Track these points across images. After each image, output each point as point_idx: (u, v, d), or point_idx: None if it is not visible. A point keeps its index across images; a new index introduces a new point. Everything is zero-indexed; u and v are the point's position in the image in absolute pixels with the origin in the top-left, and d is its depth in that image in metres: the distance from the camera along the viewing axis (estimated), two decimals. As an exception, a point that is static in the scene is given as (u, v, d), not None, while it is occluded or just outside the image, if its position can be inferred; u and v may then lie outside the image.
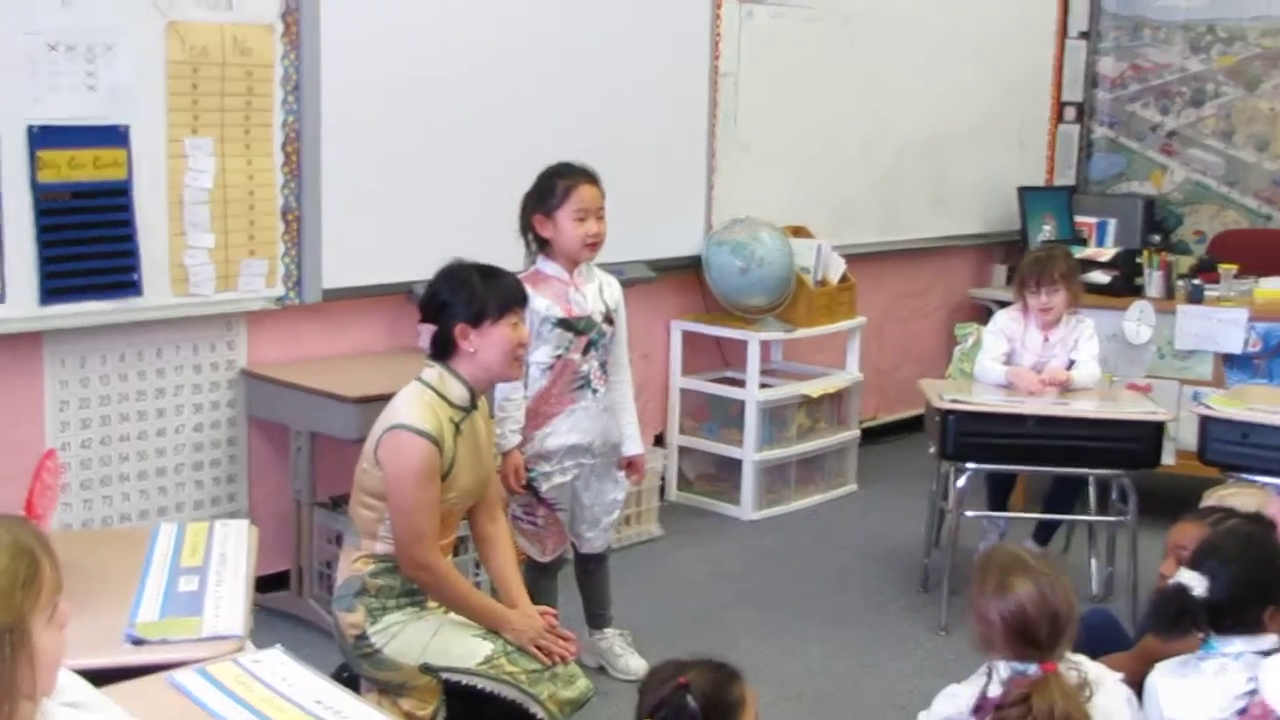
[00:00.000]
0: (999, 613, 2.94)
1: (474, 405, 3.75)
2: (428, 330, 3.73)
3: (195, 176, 4.63)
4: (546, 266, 4.34)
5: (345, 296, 5.07)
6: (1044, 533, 5.69)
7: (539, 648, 3.68)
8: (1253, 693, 3.04)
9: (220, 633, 2.79)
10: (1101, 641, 3.47)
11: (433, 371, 3.71)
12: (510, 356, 3.75)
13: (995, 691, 2.98)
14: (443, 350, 3.72)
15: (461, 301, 3.69)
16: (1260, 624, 3.02)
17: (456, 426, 3.66)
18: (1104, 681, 2.98)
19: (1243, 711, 2.85)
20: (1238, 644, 3.07)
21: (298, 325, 5.07)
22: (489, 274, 3.76)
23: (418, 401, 3.65)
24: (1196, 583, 3.00)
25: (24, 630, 1.80)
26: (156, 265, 4.56)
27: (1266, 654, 3.05)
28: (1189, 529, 3.74)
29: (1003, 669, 3.01)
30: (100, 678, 2.15)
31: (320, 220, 4.95)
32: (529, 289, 4.22)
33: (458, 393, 3.69)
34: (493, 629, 3.69)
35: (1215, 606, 3.01)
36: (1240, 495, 4.20)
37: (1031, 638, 2.96)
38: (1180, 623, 3.03)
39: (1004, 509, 5.71)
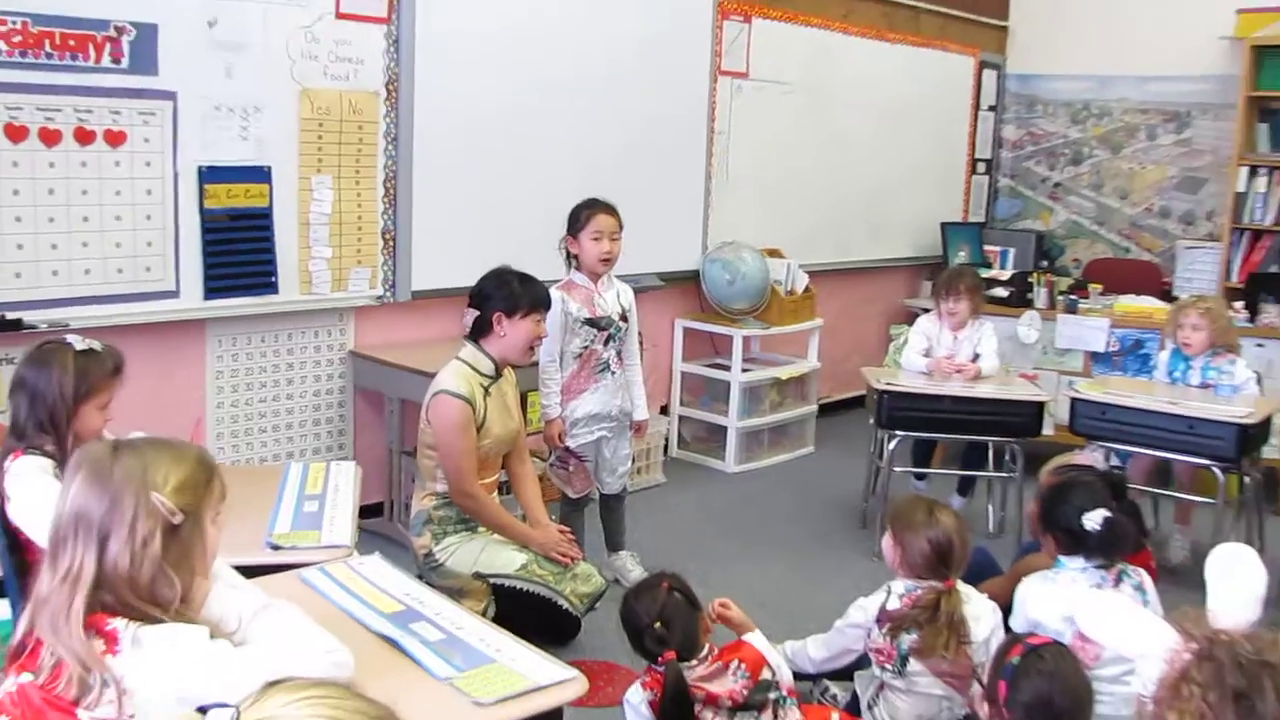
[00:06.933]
0: (928, 538, 2.98)
1: (499, 374, 3.80)
2: (471, 313, 3.78)
3: (318, 204, 4.66)
4: (576, 277, 4.34)
5: (429, 296, 5.08)
6: (965, 487, 5.68)
7: (559, 553, 3.77)
8: (1100, 584, 3.11)
9: (335, 543, 2.84)
10: (981, 572, 3.48)
11: (468, 350, 3.77)
12: (527, 345, 3.79)
13: (894, 605, 3.02)
14: (479, 330, 3.78)
15: (502, 296, 3.74)
16: (1113, 563, 3.10)
17: (486, 390, 3.73)
18: (973, 597, 3.05)
19: None
20: (1079, 561, 3.13)
21: (393, 318, 5.08)
22: (525, 279, 3.82)
23: (454, 373, 3.72)
24: (1092, 524, 3.06)
25: (200, 517, 1.85)
26: (289, 271, 4.60)
27: (1100, 567, 3.11)
28: (1045, 479, 3.81)
29: (899, 586, 3.07)
30: (247, 573, 2.17)
31: (411, 238, 4.97)
32: (564, 294, 4.28)
33: (486, 366, 3.75)
34: (522, 543, 3.77)
35: (1094, 542, 3.08)
36: (1080, 456, 4.24)
37: (947, 560, 3.00)
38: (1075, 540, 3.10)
39: (927, 466, 5.71)
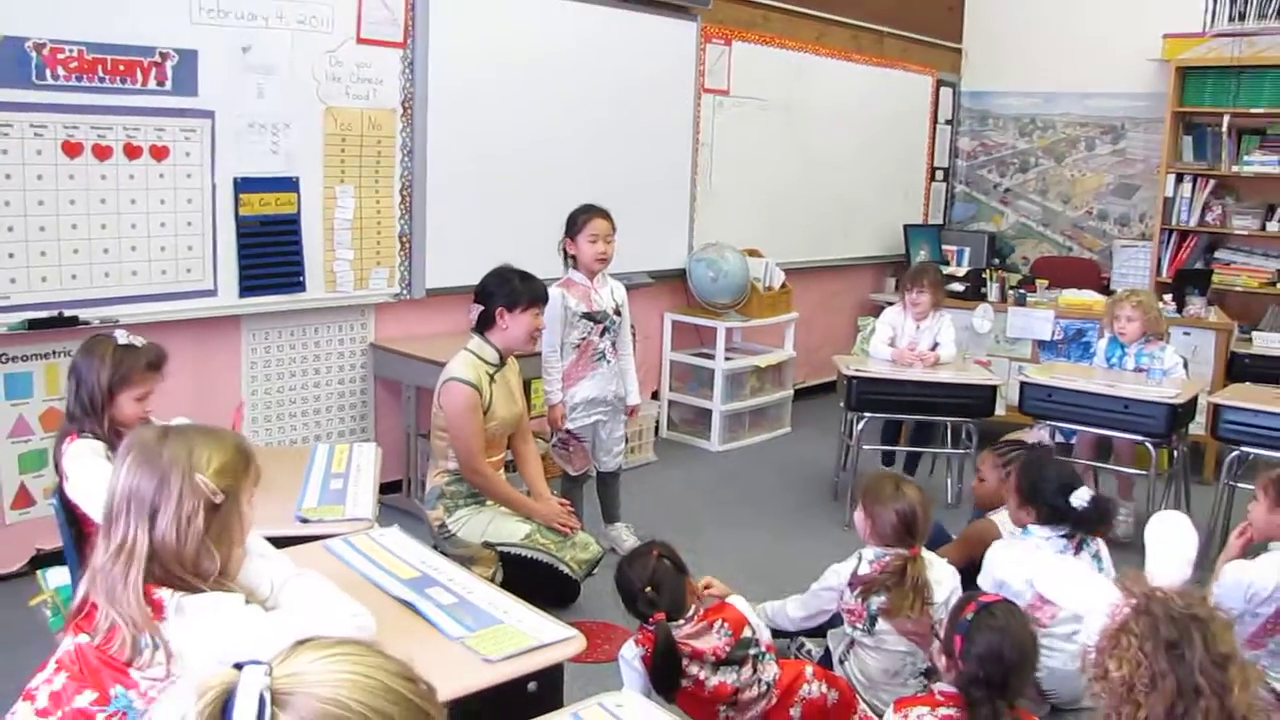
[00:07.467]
0: (895, 510, 2.98)
1: (503, 362, 3.78)
2: (477, 308, 3.77)
3: (341, 211, 4.65)
4: (574, 275, 4.33)
5: (441, 293, 5.06)
6: (912, 465, 5.69)
7: (560, 524, 3.77)
8: (1062, 552, 3.12)
9: (357, 515, 2.84)
10: (933, 541, 3.50)
11: (475, 341, 3.75)
12: (528, 336, 3.78)
13: (865, 570, 3.03)
14: (484, 324, 3.77)
15: (504, 293, 3.73)
16: (1084, 536, 3.11)
17: (491, 377, 3.71)
18: (935, 562, 3.06)
19: None
20: (1046, 531, 3.13)
21: (409, 313, 5.07)
22: (525, 276, 3.80)
23: (463, 362, 3.70)
24: (1079, 502, 3.08)
25: (237, 496, 1.85)
26: (315, 271, 4.59)
27: (1063, 536, 3.12)
28: (985, 458, 3.80)
29: (869, 553, 3.07)
30: (278, 543, 2.18)
31: (425, 241, 4.96)
32: (563, 291, 4.27)
33: (491, 355, 3.74)
34: (526, 515, 3.77)
35: (1078, 518, 3.09)
36: (1028, 434, 4.26)
37: (912, 529, 3.01)
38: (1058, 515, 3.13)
39: (895, 445, 5.72)
